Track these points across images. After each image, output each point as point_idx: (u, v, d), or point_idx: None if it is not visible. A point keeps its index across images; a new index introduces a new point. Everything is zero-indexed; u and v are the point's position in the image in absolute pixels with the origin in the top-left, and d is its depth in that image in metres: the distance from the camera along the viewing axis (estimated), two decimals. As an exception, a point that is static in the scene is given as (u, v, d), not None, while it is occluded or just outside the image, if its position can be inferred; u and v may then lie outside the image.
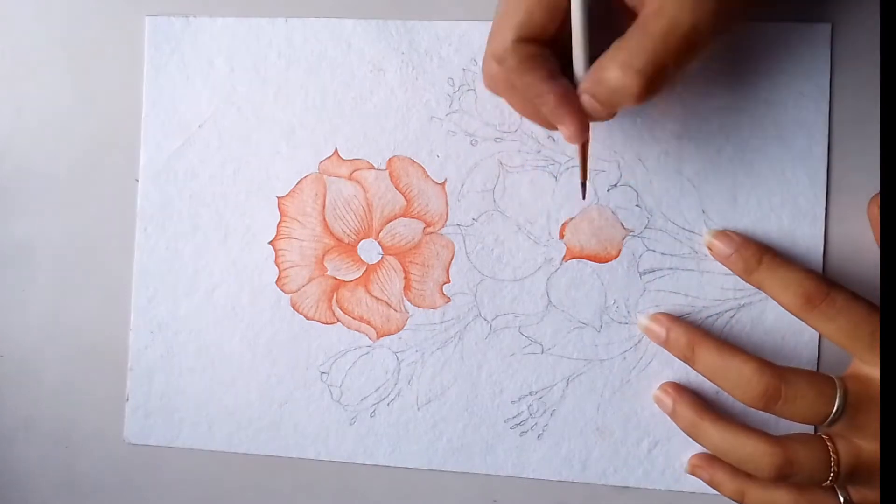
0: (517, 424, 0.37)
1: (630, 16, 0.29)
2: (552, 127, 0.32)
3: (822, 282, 0.32)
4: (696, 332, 0.34)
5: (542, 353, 0.36)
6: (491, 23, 0.31)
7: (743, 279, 0.34)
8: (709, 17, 0.28)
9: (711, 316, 0.35)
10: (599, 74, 0.29)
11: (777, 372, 0.31)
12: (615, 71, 0.28)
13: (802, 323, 0.32)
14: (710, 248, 0.35)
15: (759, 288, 0.34)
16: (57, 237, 0.39)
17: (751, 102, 0.35)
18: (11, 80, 0.39)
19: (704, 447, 0.34)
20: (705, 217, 0.35)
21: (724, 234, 0.34)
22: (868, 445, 0.30)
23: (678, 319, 0.35)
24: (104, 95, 0.39)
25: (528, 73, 0.29)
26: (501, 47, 0.29)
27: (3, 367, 0.40)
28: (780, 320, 0.35)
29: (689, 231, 0.36)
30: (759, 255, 0.33)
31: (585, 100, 0.30)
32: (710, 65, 0.35)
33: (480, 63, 0.36)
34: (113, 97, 0.39)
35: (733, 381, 0.32)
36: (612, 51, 0.29)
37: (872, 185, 0.34)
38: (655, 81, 0.28)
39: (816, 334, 0.35)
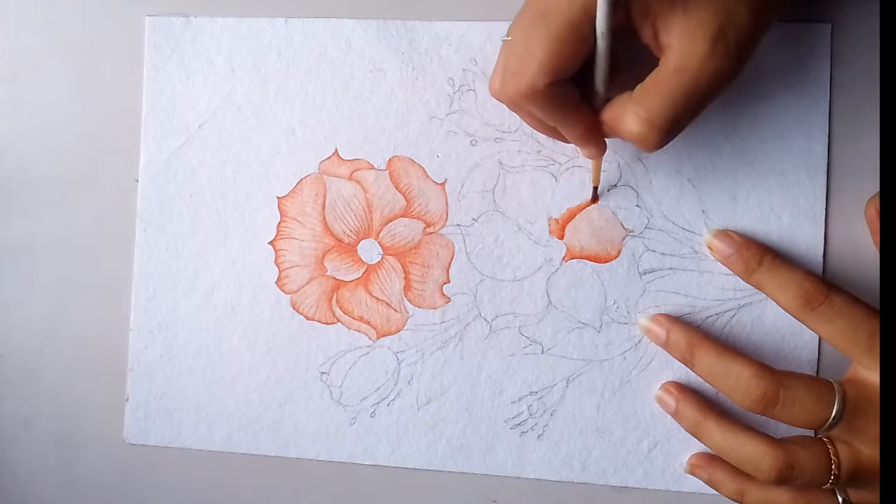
0: (517, 425, 0.37)
1: (642, 45, 0.29)
2: (563, 140, 0.33)
3: (822, 284, 0.32)
4: (696, 334, 0.34)
5: (542, 353, 0.36)
6: (484, 23, 0.30)
7: (743, 279, 0.34)
8: (729, 71, 0.28)
9: (711, 316, 0.35)
10: (618, 120, 0.30)
11: (776, 376, 0.31)
12: (634, 123, 0.29)
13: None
14: (710, 248, 0.35)
15: (759, 288, 0.34)
16: (57, 237, 0.39)
17: (751, 102, 0.35)
18: (11, 80, 0.39)
19: (707, 447, 0.34)
20: (705, 217, 0.35)
21: (724, 234, 0.34)
22: (867, 450, 0.30)
23: (678, 321, 0.35)
24: (104, 95, 0.39)
25: (556, 109, 0.30)
26: (531, 90, 0.29)
27: (3, 367, 0.40)
28: (780, 321, 0.35)
29: (689, 231, 0.36)
30: (759, 255, 0.33)
31: (606, 128, 0.31)
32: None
33: (480, 63, 0.36)
34: (113, 97, 0.39)
35: (732, 385, 0.31)
36: (632, 100, 0.29)
37: (872, 185, 0.34)
38: (672, 133, 0.29)
39: (816, 335, 0.35)
